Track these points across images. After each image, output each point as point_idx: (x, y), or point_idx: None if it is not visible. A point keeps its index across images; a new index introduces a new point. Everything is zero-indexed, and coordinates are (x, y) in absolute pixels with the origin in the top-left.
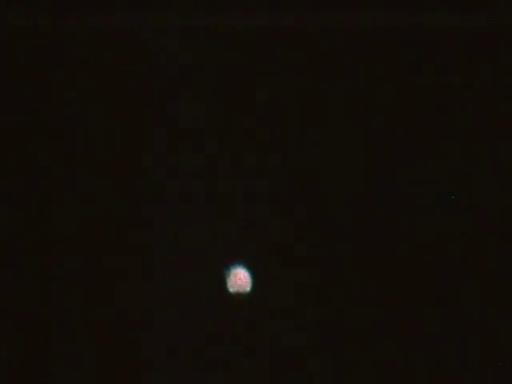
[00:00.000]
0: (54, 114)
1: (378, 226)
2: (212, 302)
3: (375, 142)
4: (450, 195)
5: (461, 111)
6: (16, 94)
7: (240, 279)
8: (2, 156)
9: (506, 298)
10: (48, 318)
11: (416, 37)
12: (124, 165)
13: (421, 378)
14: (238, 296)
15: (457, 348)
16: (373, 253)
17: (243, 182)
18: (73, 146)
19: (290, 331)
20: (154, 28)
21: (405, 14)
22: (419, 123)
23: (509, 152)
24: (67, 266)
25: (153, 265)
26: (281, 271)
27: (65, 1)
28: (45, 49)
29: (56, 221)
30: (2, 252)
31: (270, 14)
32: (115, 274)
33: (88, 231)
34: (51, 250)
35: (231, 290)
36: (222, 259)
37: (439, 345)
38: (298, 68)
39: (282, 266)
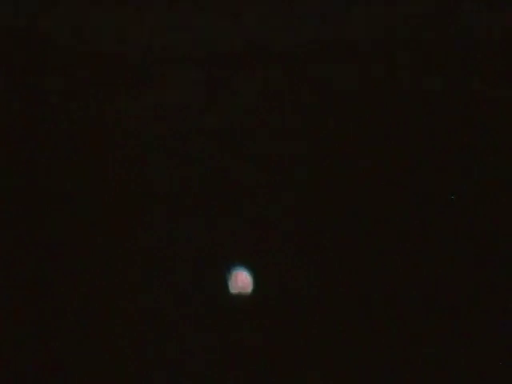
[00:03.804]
0: (54, 114)
1: (379, 225)
2: (212, 304)
3: (375, 142)
4: (450, 195)
5: (461, 111)
6: (16, 94)
7: (241, 280)
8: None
9: (506, 298)
10: (47, 319)
11: (416, 36)
12: (123, 164)
13: (421, 377)
14: (240, 297)
15: (456, 348)
16: (374, 253)
17: (243, 181)
18: (72, 146)
19: (290, 332)
20: (153, 28)
21: (405, 14)
22: (420, 124)
23: (509, 152)
24: (67, 266)
25: (153, 266)
26: (281, 272)
27: (65, 1)
28: (44, 49)
29: (55, 221)
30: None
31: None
32: (115, 275)
33: (88, 232)
34: (50, 250)
35: (233, 291)
36: (222, 261)
37: (439, 345)
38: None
39: (281, 266)
